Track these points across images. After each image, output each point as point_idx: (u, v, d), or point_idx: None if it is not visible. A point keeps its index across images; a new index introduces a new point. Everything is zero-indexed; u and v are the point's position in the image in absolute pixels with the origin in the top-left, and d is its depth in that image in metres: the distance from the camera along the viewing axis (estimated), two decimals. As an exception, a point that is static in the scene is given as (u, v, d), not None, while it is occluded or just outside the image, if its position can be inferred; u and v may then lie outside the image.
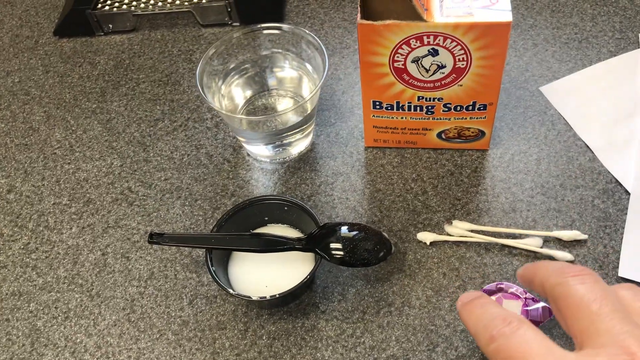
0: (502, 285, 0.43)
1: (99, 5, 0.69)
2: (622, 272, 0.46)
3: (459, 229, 0.49)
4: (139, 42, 0.68)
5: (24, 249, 0.53)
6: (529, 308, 0.42)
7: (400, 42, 0.45)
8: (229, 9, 0.66)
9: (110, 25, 0.69)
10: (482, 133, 0.52)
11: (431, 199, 0.52)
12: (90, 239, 0.53)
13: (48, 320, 0.48)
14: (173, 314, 0.48)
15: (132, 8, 0.68)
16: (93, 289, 0.50)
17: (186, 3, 0.68)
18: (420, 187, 0.53)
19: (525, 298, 0.42)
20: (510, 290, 0.43)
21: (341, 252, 0.45)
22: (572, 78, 0.58)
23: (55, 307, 0.49)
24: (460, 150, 0.54)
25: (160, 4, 0.68)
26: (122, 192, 0.56)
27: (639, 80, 0.57)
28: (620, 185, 0.51)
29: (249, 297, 0.43)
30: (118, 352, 0.46)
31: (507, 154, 0.54)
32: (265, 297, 0.43)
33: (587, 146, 0.53)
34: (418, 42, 0.45)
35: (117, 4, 0.69)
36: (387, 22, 0.44)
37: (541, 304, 0.42)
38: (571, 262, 0.47)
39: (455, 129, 0.52)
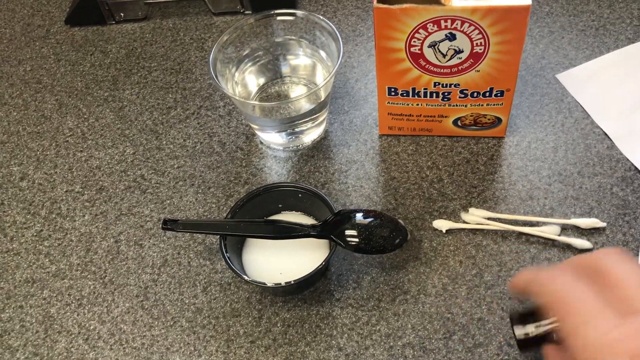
0: None
1: (111, -6, 0.68)
2: (642, 260, 0.45)
3: (475, 217, 0.49)
4: (150, 31, 0.68)
5: (36, 236, 0.53)
6: None
7: (417, 26, 0.44)
8: (241, -3, 0.66)
9: (122, 14, 0.69)
10: (499, 120, 0.52)
11: (447, 187, 0.51)
12: (103, 226, 0.53)
13: (61, 307, 0.48)
14: (187, 301, 0.47)
15: (144, -4, 0.68)
16: (106, 276, 0.50)
17: (198, -9, 0.67)
18: (436, 175, 0.52)
19: None
20: None
21: (356, 239, 0.45)
22: (589, 65, 0.58)
23: (68, 294, 0.49)
24: (477, 137, 0.54)
25: (172, -8, 0.68)
26: (135, 179, 0.55)
27: (657, 68, 0.56)
28: None
29: (264, 283, 0.43)
30: (132, 339, 0.46)
31: (523, 142, 0.53)
32: (279, 284, 0.43)
33: (605, 134, 0.53)
34: (435, 26, 0.44)
35: (128, -8, 0.68)
36: (404, 5, 0.43)
37: None
38: (589, 249, 0.46)
39: (471, 115, 0.52)
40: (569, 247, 0.47)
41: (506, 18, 0.43)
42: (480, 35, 0.44)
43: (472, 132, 0.53)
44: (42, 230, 0.53)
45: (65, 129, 0.60)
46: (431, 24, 0.44)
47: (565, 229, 0.48)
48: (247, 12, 0.67)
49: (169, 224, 0.46)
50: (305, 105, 0.53)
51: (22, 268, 0.51)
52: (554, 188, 0.50)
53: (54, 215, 0.54)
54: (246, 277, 0.44)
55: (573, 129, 0.53)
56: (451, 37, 0.45)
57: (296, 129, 0.54)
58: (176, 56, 0.65)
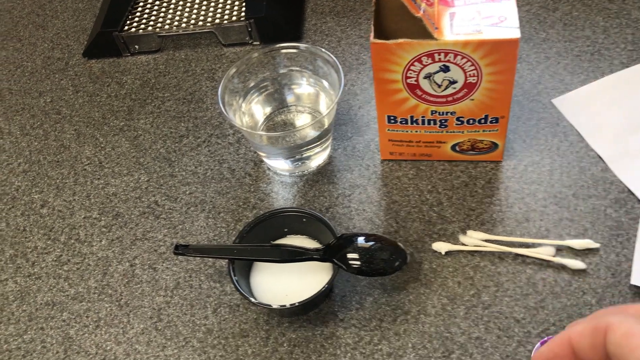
0: None
1: (126, 28, 0.72)
2: (634, 280, 0.46)
3: (473, 239, 0.50)
4: (164, 62, 0.71)
5: (56, 261, 0.56)
6: None
7: (413, 59, 0.47)
8: (250, 29, 0.69)
9: (137, 46, 0.72)
10: (495, 145, 0.54)
11: (446, 210, 0.53)
12: (119, 250, 0.55)
13: (80, 328, 0.51)
14: (198, 322, 0.50)
15: (157, 29, 0.71)
16: (122, 298, 0.52)
17: (208, 24, 0.71)
18: (436, 198, 0.54)
19: None
20: None
21: (358, 262, 0.47)
22: (584, 90, 0.60)
23: (86, 316, 0.52)
24: (474, 161, 0.56)
25: (183, 25, 0.71)
26: (149, 205, 0.58)
27: (651, 91, 0.58)
28: (633, 194, 0.52)
29: (270, 305, 0.45)
30: (146, 359, 0.48)
31: (520, 165, 0.55)
32: (285, 306, 0.45)
33: (599, 156, 0.55)
34: (429, 59, 0.47)
35: (142, 26, 0.72)
36: (399, 40, 0.46)
37: None
38: (583, 270, 0.48)
39: (468, 141, 0.54)
40: (563, 268, 0.48)
41: (496, 50, 0.46)
42: (472, 67, 0.47)
43: (470, 156, 0.55)
44: (61, 255, 0.56)
45: (84, 157, 0.63)
46: (425, 57, 0.47)
47: (560, 249, 0.49)
48: (255, 42, 0.70)
49: (181, 249, 0.49)
50: (310, 133, 0.55)
51: (43, 291, 0.54)
52: (549, 210, 0.52)
53: (72, 241, 0.57)
54: (253, 300, 0.46)
55: (568, 152, 0.55)
56: (445, 69, 0.47)
57: (302, 156, 0.56)
58: (188, 86, 0.68)
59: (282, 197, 0.57)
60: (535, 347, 0.44)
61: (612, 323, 0.27)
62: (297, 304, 0.45)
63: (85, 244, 0.56)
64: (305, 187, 0.57)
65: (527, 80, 0.61)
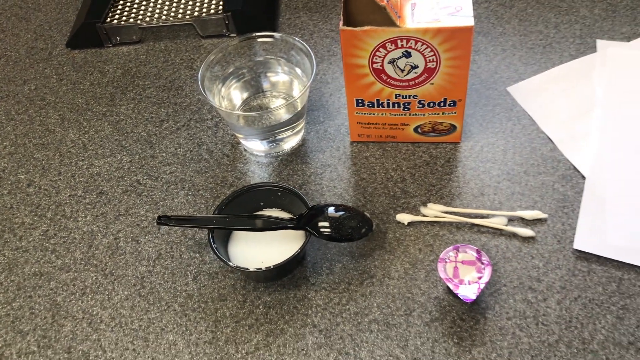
0: (457, 247, 0.49)
1: (108, 19, 0.75)
2: (577, 245, 0.52)
3: (433, 211, 0.55)
4: (144, 52, 0.75)
5: (43, 235, 0.59)
6: (482, 275, 0.48)
7: (378, 45, 0.51)
8: (227, 22, 0.73)
9: (118, 37, 0.76)
10: (454, 127, 0.59)
11: (409, 186, 0.58)
12: (104, 225, 0.59)
13: (67, 296, 0.54)
14: (179, 289, 0.53)
15: (138, 21, 0.75)
16: (107, 268, 0.55)
17: (188, 16, 0.74)
18: (400, 176, 0.59)
19: (481, 261, 0.48)
20: (466, 251, 0.48)
21: (328, 229, 0.51)
22: (537, 79, 0.65)
23: (73, 285, 0.55)
24: (435, 143, 0.61)
25: (163, 17, 0.75)
26: (132, 184, 0.62)
27: (595, 81, 0.64)
28: (578, 171, 0.57)
29: (247, 268, 0.49)
30: (130, 322, 0.52)
31: (477, 146, 0.60)
32: (260, 269, 0.49)
33: (549, 138, 0.60)
34: (393, 45, 0.51)
35: (124, 18, 0.75)
36: (365, 27, 0.50)
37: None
38: (532, 237, 0.53)
39: (429, 123, 0.58)
40: (514, 236, 0.53)
41: (453, 37, 0.50)
42: (432, 53, 0.52)
43: (431, 138, 0.60)
44: (48, 230, 0.59)
45: (68, 140, 0.67)
46: (389, 43, 0.51)
47: (511, 220, 0.54)
48: (232, 35, 0.74)
49: (163, 220, 0.53)
50: (284, 116, 0.59)
51: (31, 263, 0.57)
52: (502, 185, 0.57)
53: (59, 217, 0.60)
54: (231, 264, 0.50)
55: (521, 134, 0.60)
56: (407, 55, 0.52)
57: (276, 137, 0.61)
58: (168, 75, 0.72)
59: (258, 175, 0.61)
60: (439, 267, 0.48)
61: None
62: (271, 267, 0.49)
63: (71, 219, 0.60)
64: (280, 167, 0.61)
65: (484, 70, 0.66)
